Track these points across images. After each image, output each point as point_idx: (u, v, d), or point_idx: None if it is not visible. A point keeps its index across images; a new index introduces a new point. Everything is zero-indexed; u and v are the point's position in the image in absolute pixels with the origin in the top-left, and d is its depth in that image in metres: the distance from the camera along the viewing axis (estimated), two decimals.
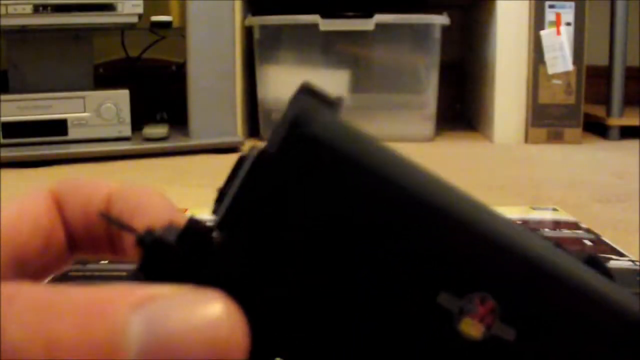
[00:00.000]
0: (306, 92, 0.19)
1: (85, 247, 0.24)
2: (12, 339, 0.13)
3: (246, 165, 0.18)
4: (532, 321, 0.19)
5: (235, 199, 0.18)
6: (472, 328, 0.19)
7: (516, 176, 1.26)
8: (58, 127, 1.45)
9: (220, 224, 0.18)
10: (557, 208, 0.93)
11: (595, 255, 0.22)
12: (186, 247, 0.18)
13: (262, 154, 0.18)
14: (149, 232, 0.18)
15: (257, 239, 0.18)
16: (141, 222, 0.22)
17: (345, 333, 0.19)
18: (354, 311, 0.19)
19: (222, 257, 0.18)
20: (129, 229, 0.19)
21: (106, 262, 0.66)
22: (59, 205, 0.23)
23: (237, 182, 0.18)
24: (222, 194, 0.20)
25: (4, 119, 1.42)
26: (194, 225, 0.19)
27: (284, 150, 0.18)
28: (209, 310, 0.15)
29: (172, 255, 0.18)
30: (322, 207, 0.18)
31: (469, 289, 0.18)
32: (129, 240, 0.23)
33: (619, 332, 0.19)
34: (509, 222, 0.20)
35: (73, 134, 1.46)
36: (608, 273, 0.21)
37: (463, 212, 0.19)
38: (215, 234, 0.18)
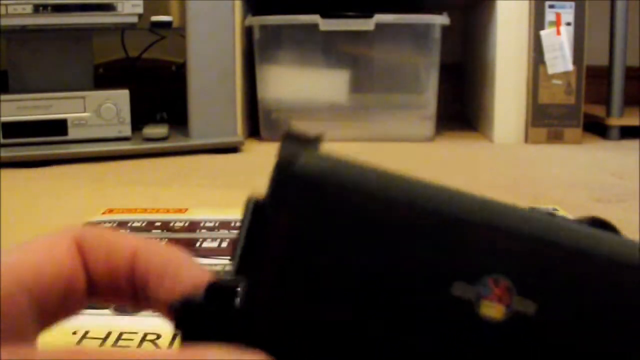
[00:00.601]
0: (288, 139, 0.20)
1: (105, 295, 0.24)
2: None
3: (247, 215, 0.20)
4: (548, 290, 0.19)
5: (243, 248, 0.20)
6: (492, 310, 0.19)
7: (516, 176, 1.26)
8: (58, 127, 1.45)
9: (236, 272, 0.20)
10: (557, 208, 0.93)
11: (598, 217, 0.23)
12: (214, 304, 0.19)
13: (258, 202, 0.19)
14: (180, 299, 0.20)
15: (274, 285, 0.19)
16: (167, 282, 0.23)
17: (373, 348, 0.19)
18: (380, 329, 0.19)
19: (247, 312, 0.19)
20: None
21: None
22: (82, 252, 0.24)
23: (243, 232, 0.20)
24: (235, 243, 0.21)
25: (4, 119, 1.42)
26: (218, 282, 0.20)
27: (275, 195, 0.19)
28: None
29: (203, 315, 0.19)
30: (327, 239, 0.19)
31: (480, 275, 0.19)
32: (153, 293, 0.23)
33: (632, 284, 0.19)
34: (503, 205, 0.20)
35: (73, 134, 1.46)
36: (614, 229, 0.22)
37: (458, 208, 0.19)
38: (239, 287, 0.20)
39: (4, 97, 1.43)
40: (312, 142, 0.20)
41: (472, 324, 0.19)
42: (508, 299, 0.19)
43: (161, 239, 0.73)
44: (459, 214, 0.19)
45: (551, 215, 0.21)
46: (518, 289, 0.19)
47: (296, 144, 0.20)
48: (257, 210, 0.19)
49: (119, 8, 1.44)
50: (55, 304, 0.23)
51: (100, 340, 0.48)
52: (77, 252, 0.23)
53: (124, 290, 0.24)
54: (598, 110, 1.78)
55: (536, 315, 0.19)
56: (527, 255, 0.19)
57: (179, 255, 0.24)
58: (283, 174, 0.19)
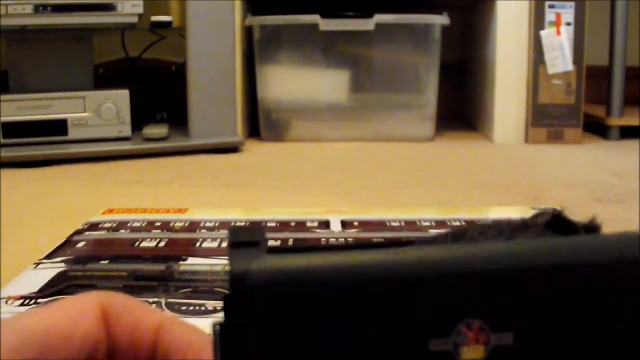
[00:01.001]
0: (234, 247, 0.20)
1: None
2: None
3: (217, 341, 0.20)
4: (519, 316, 0.20)
5: None
6: (472, 353, 0.19)
7: (516, 176, 1.26)
8: (58, 127, 1.45)
9: None
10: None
11: (557, 211, 0.23)
12: None
13: (222, 324, 0.20)
14: None
15: None
16: None
17: None
18: None
19: None
20: None
21: (106, 262, 0.66)
22: (108, 323, 0.24)
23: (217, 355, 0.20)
24: None
25: (4, 119, 1.42)
26: None
27: (230, 315, 0.19)
28: None
29: None
30: (295, 340, 0.19)
31: (452, 325, 0.19)
32: None
33: (601, 282, 0.20)
34: (452, 246, 0.21)
35: (73, 134, 1.46)
36: (574, 227, 0.22)
37: (412, 268, 0.19)
38: None
39: (4, 97, 1.43)
40: (259, 242, 0.20)
41: None
42: (485, 338, 0.19)
43: (161, 238, 0.73)
44: (415, 273, 0.19)
45: (503, 228, 0.22)
46: (491, 324, 0.19)
47: (243, 252, 0.20)
48: (225, 333, 0.20)
49: (119, 8, 1.44)
50: None
51: None
52: (102, 321, 0.24)
53: None
54: (598, 110, 1.78)
55: (515, 343, 0.19)
56: (491, 289, 0.19)
57: (201, 337, 0.25)
58: (238, 291, 0.19)
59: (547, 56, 1.64)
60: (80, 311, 0.24)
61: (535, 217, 0.24)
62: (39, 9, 1.39)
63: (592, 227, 0.24)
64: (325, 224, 0.79)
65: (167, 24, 1.64)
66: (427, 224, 0.79)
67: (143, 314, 0.25)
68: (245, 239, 0.21)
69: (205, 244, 0.72)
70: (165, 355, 0.24)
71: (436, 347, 0.19)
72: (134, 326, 0.24)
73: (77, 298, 0.24)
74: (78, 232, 0.76)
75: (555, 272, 0.20)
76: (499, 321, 0.19)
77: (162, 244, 0.72)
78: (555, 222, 0.24)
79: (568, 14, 1.63)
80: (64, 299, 0.24)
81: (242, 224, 0.22)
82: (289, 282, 0.19)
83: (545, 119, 1.67)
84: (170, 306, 0.54)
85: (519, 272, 0.19)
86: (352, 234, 0.76)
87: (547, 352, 0.20)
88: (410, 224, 0.79)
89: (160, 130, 1.52)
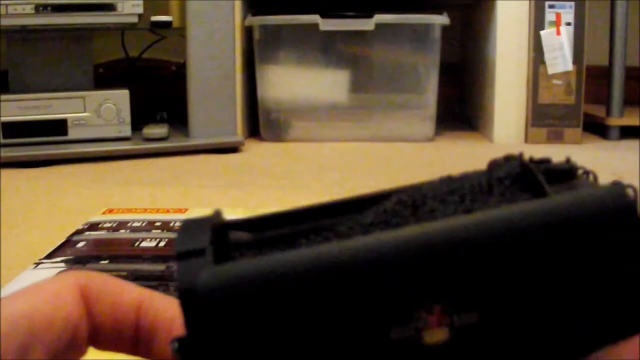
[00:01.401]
0: (182, 257, 0.20)
1: (107, 344, 0.25)
2: None
3: (175, 354, 0.20)
4: (481, 293, 0.19)
5: None
6: (435, 335, 0.19)
7: None
8: (58, 127, 1.45)
9: None
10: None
11: (523, 162, 0.22)
12: None
13: (182, 339, 0.20)
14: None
15: None
16: (170, 335, 0.24)
17: None
18: None
19: None
20: None
21: (106, 262, 0.66)
22: (87, 303, 0.24)
23: None
24: None
25: (4, 119, 1.42)
26: None
27: (191, 327, 0.19)
28: None
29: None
30: (252, 347, 0.19)
31: (411, 312, 0.19)
32: (156, 345, 0.24)
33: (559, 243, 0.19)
34: (398, 230, 0.19)
35: (73, 134, 1.46)
36: (541, 187, 0.21)
37: (364, 255, 0.19)
38: None
39: (4, 97, 1.43)
40: (203, 249, 0.20)
41: (422, 355, 0.19)
42: (447, 320, 0.19)
43: (161, 238, 0.73)
44: (366, 262, 0.19)
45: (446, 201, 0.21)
46: (452, 306, 0.19)
47: (189, 265, 0.20)
48: (182, 348, 0.19)
49: (119, 8, 1.44)
50: (62, 352, 0.23)
51: None
52: (82, 302, 0.24)
53: (126, 341, 0.25)
54: (598, 110, 1.78)
55: (481, 321, 0.19)
56: (449, 269, 0.19)
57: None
58: (187, 308, 0.19)
59: (547, 56, 1.64)
60: (59, 294, 0.24)
61: (498, 171, 0.22)
62: (39, 9, 1.39)
63: (565, 172, 0.22)
64: None
65: (167, 24, 1.64)
66: None
67: (122, 291, 0.25)
68: (190, 245, 0.20)
69: None
70: (149, 333, 0.24)
71: (398, 335, 0.19)
72: (114, 306, 0.24)
73: (55, 280, 0.24)
74: (78, 232, 0.76)
75: (516, 244, 0.19)
76: (461, 302, 0.19)
77: (162, 244, 0.72)
78: (522, 176, 0.22)
79: (568, 14, 1.63)
80: (41, 281, 0.24)
81: (192, 220, 0.21)
82: (236, 293, 0.19)
83: (545, 119, 1.67)
84: None
85: (477, 249, 0.19)
86: None
87: (514, 327, 0.19)
88: None
89: (160, 130, 1.52)
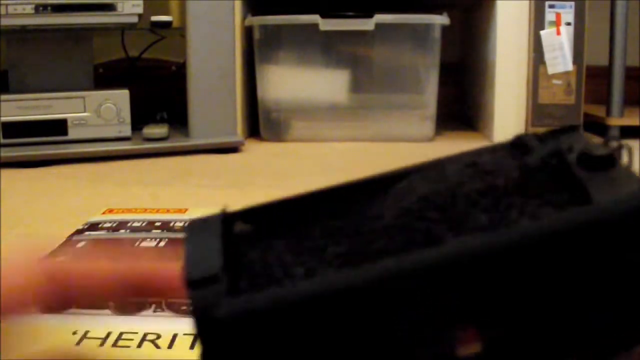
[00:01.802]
0: (195, 286, 0.20)
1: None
2: None
3: None
4: (513, 309, 0.19)
5: None
6: (469, 349, 0.19)
7: None
8: (58, 127, 1.45)
9: None
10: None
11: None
12: None
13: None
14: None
15: None
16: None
17: None
18: None
19: None
20: None
21: None
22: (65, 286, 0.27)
23: None
24: None
25: (4, 119, 1.42)
26: None
27: (207, 351, 0.19)
28: None
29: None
30: None
31: (446, 330, 0.19)
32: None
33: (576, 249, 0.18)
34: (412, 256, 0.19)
35: (73, 134, 1.46)
36: (579, 184, 0.20)
37: (375, 289, 0.18)
38: None
39: (4, 97, 1.43)
40: (217, 275, 0.20)
41: None
42: (476, 335, 0.19)
43: (161, 238, 0.73)
44: (385, 291, 0.18)
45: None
46: (480, 321, 0.18)
47: (206, 290, 0.19)
48: None
49: (119, 8, 1.43)
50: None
51: (100, 340, 0.48)
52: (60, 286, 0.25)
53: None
54: (598, 110, 1.78)
55: (510, 328, 0.19)
56: (481, 292, 0.18)
57: (171, 272, 0.26)
58: (208, 333, 0.19)
59: (547, 56, 1.64)
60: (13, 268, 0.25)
61: (530, 157, 0.21)
62: (39, 9, 1.39)
63: (604, 159, 0.20)
64: None
65: (167, 24, 1.63)
66: None
67: (104, 275, 0.25)
68: (203, 271, 0.20)
69: None
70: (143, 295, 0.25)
71: (429, 353, 0.19)
72: (96, 290, 0.25)
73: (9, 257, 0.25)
74: (78, 232, 0.76)
75: (554, 261, 0.18)
76: (487, 315, 0.19)
77: (162, 244, 0.72)
78: (558, 168, 0.20)
79: (568, 14, 1.63)
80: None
81: (197, 228, 0.20)
82: (257, 326, 0.19)
83: (545, 119, 1.67)
84: (170, 306, 0.54)
85: (516, 272, 0.18)
86: None
87: (543, 334, 0.19)
88: None
89: (160, 130, 1.52)
